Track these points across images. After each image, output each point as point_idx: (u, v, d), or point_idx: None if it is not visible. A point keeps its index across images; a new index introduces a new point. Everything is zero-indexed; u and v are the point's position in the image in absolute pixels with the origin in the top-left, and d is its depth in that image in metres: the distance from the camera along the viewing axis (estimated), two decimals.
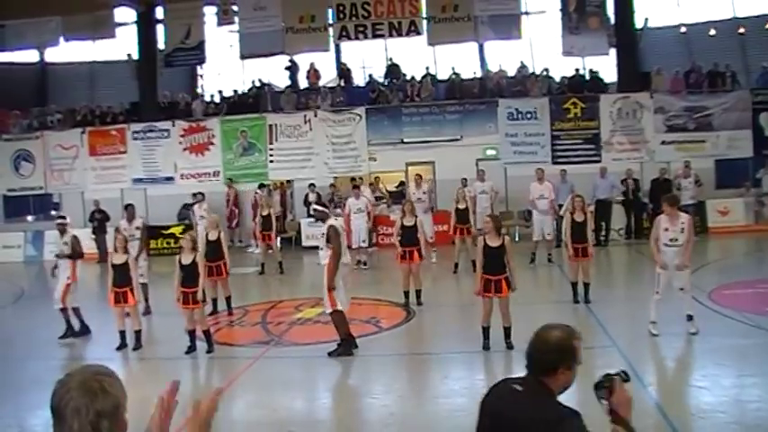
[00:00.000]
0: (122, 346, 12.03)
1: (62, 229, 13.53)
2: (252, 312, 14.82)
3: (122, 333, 12.08)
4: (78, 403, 2.50)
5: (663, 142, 24.12)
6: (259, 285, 18.03)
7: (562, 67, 26.68)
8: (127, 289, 12.00)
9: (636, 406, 8.65)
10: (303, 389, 10.32)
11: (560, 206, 20.24)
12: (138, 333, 12.14)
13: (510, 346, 10.65)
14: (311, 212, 14.37)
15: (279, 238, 23.61)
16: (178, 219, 24.52)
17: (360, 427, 8.61)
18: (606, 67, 25.92)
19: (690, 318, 10.98)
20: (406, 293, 14.44)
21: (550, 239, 18.97)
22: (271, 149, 25.57)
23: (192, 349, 11.67)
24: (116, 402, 2.57)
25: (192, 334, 11.70)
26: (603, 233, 21.40)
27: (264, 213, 19.23)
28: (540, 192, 19.11)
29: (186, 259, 11.80)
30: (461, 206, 17.98)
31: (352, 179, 24.22)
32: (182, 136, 25.93)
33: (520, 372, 10.09)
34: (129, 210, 16.20)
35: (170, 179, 25.97)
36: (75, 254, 13.31)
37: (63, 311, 13.00)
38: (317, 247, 11.61)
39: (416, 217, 14.80)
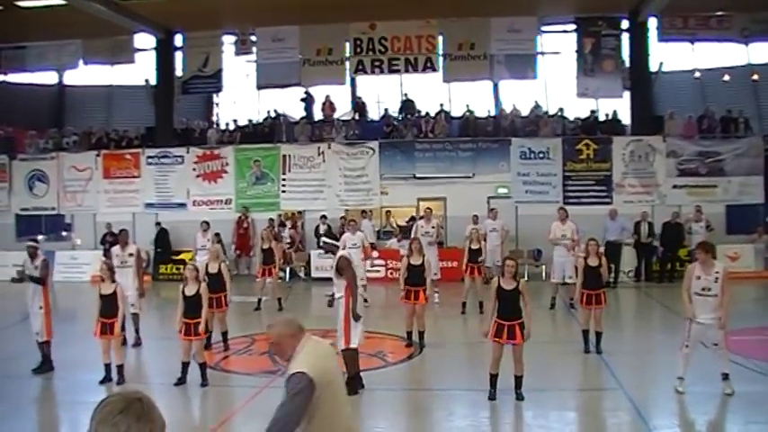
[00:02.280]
0: (106, 379, 11.58)
1: (33, 253, 12.83)
2: (259, 341, 14.78)
3: (107, 366, 11.64)
4: (128, 427, 2.56)
5: (674, 186, 24.20)
6: (267, 314, 18.00)
7: (576, 108, 26.85)
8: (114, 320, 11.59)
9: None
10: None
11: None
12: (120, 367, 11.74)
13: (520, 398, 10.33)
14: (320, 245, 14.27)
15: (288, 270, 23.76)
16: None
17: None
18: (620, 109, 26.04)
19: (725, 377, 10.32)
20: (409, 334, 14.09)
21: (572, 283, 17.07)
22: (283, 179, 25.73)
23: (182, 381, 11.39)
24: (162, 425, 2.66)
25: (185, 366, 11.46)
26: (613, 275, 21.34)
27: (265, 247, 18.72)
28: (563, 231, 18.26)
29: (190, 290, 11.62)
30: (474, 246, 17.82)
31: (363, 212, 24.37)
32: (195, 163, 26.12)
33: (526, 411, 10.14)
34: (122, 235, 15.86)
35: (182, 205, 26.11)
36: (43, 280, 12.70)
37: (45, 345, 12.51)
38: (327, 279, 11.48)
39: (424, 256, 14.26)
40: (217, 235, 21.27)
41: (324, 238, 12.89)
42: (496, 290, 10.39)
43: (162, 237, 25.11)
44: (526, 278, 21.92)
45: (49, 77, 31.69)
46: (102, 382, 11.53)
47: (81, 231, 26.60)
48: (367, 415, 10.36)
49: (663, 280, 22.10)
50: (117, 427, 2.56)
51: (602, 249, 14.51)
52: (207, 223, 20.51)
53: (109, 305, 11.65)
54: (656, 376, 11.08)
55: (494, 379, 10.46)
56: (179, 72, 27.46)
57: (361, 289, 18.50)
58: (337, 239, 14.83)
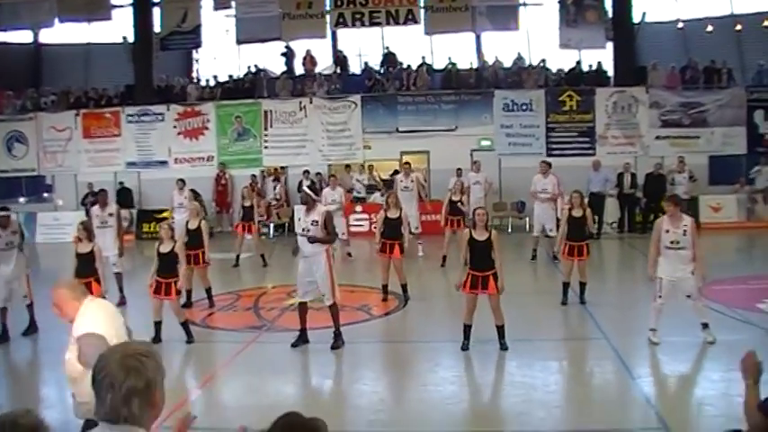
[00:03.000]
0: None
1: (4, 223, 12.27)
2: (244, 297, 14.82)
3: None
4: (113, 379, 2.66)
5: (657, 137, 24.22)
6: (251, 271, 17.99)
7: (559, 60, 26.71)
8: (91, 279, 11.26)
9: (624, 398, 8.76)
10: (294, 374, 10.34)
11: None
12: None
13: (504, 347, 10.37)
14: (300, 191, 14.08)
15: (271, 226, 23.70)
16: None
17: (350, 413, 8.61)
18: (602, 60, 25.92)
19: (705, 326, 10.39)
20: (385, 287, 14.00)
21: (553, 236, 17.05)
22: (265, 135, 25.58)
23: (156, 340, 11.13)
24: (149, 382, 2.72)
25: (157, 325, 11.30)
26: (596, 227, 21.38)
27: (246, 204, 18.62)
28: (544, 185, 18.02)
29: (165, 248, 11.46)
30: (455, 198, 17.78)
31: (347, 166, 24.32)
32: (176, 120, 25.88)
33: (511, 361, 10.19)
34: (101, 195, 15.68)
35: (164, 163, 25.94)
36: (20, 244, 12.42)
37: (30, 307, 12.34)
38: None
39: (401, 210, 14.18)
40: (193, 191, 21.06)
41: (305, 188, 12.64)
42: (468, 241, 10.33)
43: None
44: (510, 230, 22.14)
45: (24, 36, 31.19)
46: None
47: (62, 192, 26.38)
48: (352, 368, 10.39)
49: (645, 231, 22.08)
50: (110, 378, 2.68)
51: (586, 201, 14.48)
52: (182, 181, 20.40)
53: (85, 264, 11.53)
54: (640, 326, 11.09)
55: (467, 330, 10.47)
56: (157, 28, 26.97)
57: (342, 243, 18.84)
58: (318, 194, 14.69)
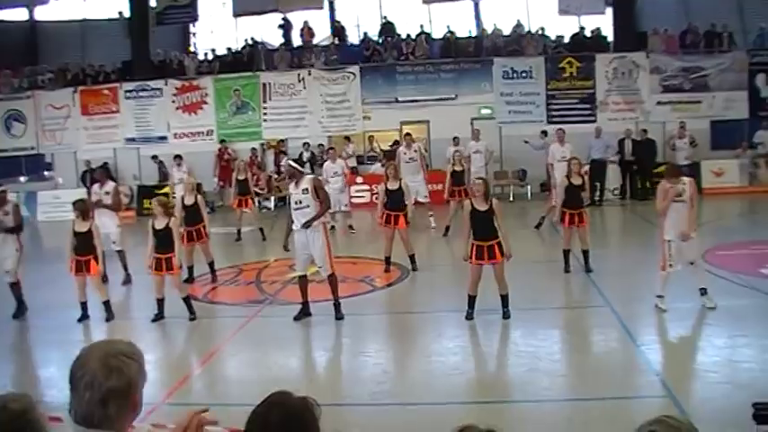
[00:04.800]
0: (84, 317, 11.39)
1: (1, 198, 12.26)
2: (246, 271, 14.79)
3: (83, 304, 11.41)
4: (92, 378, 2.53)
5: (658, 103, 24.10)
6: (251, 245, 17.95)
7: (558, 26, 26.50)
8: (90, 257, 11.29)
9: (629, 365, 8.74)
10: (297, 347, 10.32)
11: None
12: (106, 303, 11.56)
13: (506, 316, 10.38)
14: (284, 165, 13.88)
15: (273, 199, 23.64)
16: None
17: (353, 385, 8.60)
18: (602, 26, 25.70)
19: (704, 291, 10.36)
20: (387, 259, 13.97)
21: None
22: (264, 108, 25.45)
23: (159, 317, 11.22)
24: (130, 383, 2.59)
25: (160, 302, 11.28)
26: (598, 193, 21.34)
27: (241, 178, 18.31)
28: (562, 153, 17.42)
29: (159, 224, 11.31)
30: (458, 168, 17.69)
31: (346, 137, 24.23)
32: (174, 95, 25.74)
33: (515, 330, 10.17)
34: (100, 172, 15.58)
35: (163, 138, 25.81)
36: (18, 227, 12.31)
37: (15, 286, 12.15)
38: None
39: (401, 180, 14.13)
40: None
41: (289, 161, 12.40)
42: (470, 212, 10.31)
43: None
44: (511, 198, 22.07)
45: (19, 14, 31.01)
46: (79, 320, 11.36)
47: (62, 170, 26.32)
48: (355, 340, 10.39)
49: (647, 197, 22.05)
50: (89, 377, 2.55)
51: (586, 168, 14.40)
52: (180, 157, 20.33)
53: (83, 243, 11.37)
54: (643, 293, 11.07)
55: (472, 300, 10.47)
56: (153, 3, 26.81)
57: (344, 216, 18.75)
58: (303, 165, 14.47)
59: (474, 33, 27.39)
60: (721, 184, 22.18)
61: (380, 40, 27.14)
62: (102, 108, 26.12)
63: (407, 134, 19.70)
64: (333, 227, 18.02)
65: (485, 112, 24.52)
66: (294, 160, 12.99)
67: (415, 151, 18.50)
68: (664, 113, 23.91)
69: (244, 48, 27.84)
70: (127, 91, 26.02)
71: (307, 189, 10.69)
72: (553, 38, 26.09)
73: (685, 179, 10.64)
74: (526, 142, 22.25)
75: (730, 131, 23.54)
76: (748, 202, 21.39)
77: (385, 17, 28.31)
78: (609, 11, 25.08)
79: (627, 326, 9.86)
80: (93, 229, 11.57)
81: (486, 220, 10.26)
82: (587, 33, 25.83)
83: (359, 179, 23.05)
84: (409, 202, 14.18)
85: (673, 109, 23.94)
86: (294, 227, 10.86)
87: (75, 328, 11.10)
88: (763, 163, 22.58)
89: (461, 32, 27.00)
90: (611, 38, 25.48)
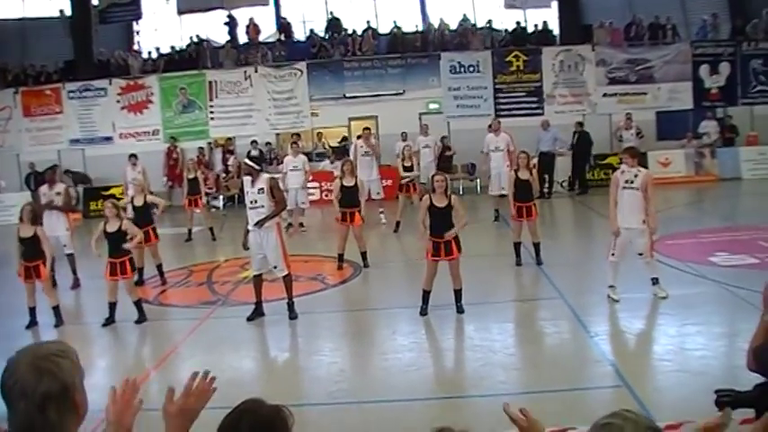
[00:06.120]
0: (32, 323, 11.12)
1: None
2: (197, 272, 14.61)
3: (32, 310, 11.15)
4: (24, 385, 2.35)
5: (605, 95, 24.39)
6: (201, 245, 17.75)
7: (504, 20, 26.63)
8: (39, 262, 11.06)
9: (583, 355, 8.79)
10: (252, 348, 10.21)
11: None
12: (56, 309, 11.31)
13: (460, 311, 10.43)
14: (243, 168, 13.81)
15: (222, 198, 23.41)
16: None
17: (310, 385, 8.52)
18: (548, 20, 25.88)
19: (655, 281, 10.52)
20: (341, 256, 13.94)
21: (506, 194, 16.18)
22: (211, 106, 25.15)
23: (110, 321, 11.02)
24: (65, 384, 2.39)
25: (112, 306, 11.08)
26: (547, 186, 21.48)
27: (190, 177, 18.11)
28: (496, 143, 17.91)
29: (111, 227, 11.14)
30: (407, 164, 17.71)
31: (296, 135, 24.02)
32: (119, 94, 25.28)
33: (469, 325, 10.17)
34: (48, 173, 15.31)
35: (109, 139, 25.33)
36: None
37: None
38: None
39: (356, 177, 14.11)
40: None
41: (245, 159, 12.30)
42: (429, 207, 10.30)
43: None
44: (461, 192, 22.10)
45: None
46: (27, 327, 11.07)
47: (5, 173, 25.67)
48: (310, 339, 10.31)
49: (572, 188, 22.45)
50: (21, 384, 2.37)
51: (534, 161, 14.46)
52: (135, 156, 19.95)
53: (30, 248, 11.12)
54: (594, 284, 11.19)
55: (426, 295, 10.50)
56: (95, 1, 26.29)
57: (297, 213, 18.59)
58: (268, 164, 14.41)
59: (421, 28, 27.37)
60: (668, 174, 22.47)
61: (327, 36, 27.00)
62: (45, 109, 25.54)
63: (366, 128, 19.49)
64: (289, 224, 17.91)
65: (433, 106, 24.56)
66: (253, 159, 12.78)
67: (371, 146, 18.27)
68: (610, 105, 24.19)
69: (189, 46, 27.46)
70: (70, 91, 25.48)
71: (263, 189, 10.58)
72: (500, 32, 26.18)
73: (642, 169, 10.73)
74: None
75: (675, 122, 23.89)
76: (695, 191, 21.72)
77: (331, 13, 28.20)
78: (554, 4, 25.32)
79: (580, 317, 9.94)
80: (40, 233, 11.29)
81: (445, 216, 10.25)
82: (530, 27, 26.00)
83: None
84: (362, 199, 14.18)
85: (619, 101, 24.23)
86: (249, 226, 10.74)
87: (24, 335, 10.79)
88: (708, 152, 22.95)
89: (408, 27, 26.99)
90: (556, 31, 25.67)
